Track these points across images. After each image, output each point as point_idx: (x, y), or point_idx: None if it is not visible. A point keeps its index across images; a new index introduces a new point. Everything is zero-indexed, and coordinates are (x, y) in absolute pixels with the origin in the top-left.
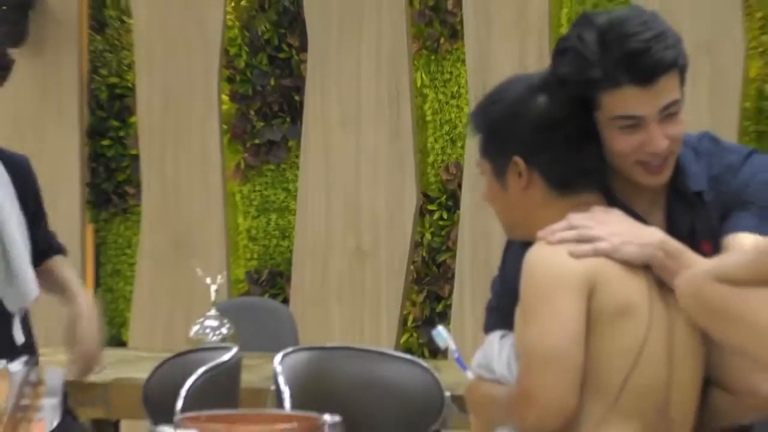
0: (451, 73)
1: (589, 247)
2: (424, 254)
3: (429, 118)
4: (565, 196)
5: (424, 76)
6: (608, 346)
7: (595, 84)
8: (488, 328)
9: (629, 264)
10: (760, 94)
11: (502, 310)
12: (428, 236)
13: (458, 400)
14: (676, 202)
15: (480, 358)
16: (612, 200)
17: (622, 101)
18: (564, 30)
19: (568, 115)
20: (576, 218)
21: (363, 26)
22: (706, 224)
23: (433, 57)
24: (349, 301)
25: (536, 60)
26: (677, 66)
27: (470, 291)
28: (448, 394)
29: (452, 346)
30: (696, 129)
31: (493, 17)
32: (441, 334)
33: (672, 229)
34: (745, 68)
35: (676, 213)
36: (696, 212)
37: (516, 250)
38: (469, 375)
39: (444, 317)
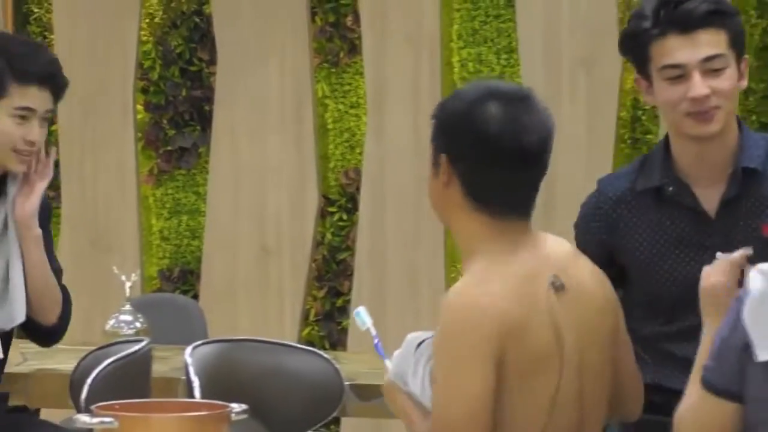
0: (350, 84)
1: None
2: (324, 253)
3: (330, 126)
4: (480, 210)
5: (325, 87)
6: (522, 402)
7: (646, 35)
8: None
9: (536, 311)
10: (635, 104)
11: None
12: (329, 236)
13: (356, 389)
14: (734, 178)
15: (396, 365)
16: (672, 178)
17: (667, 50)
18: (454, 45)
19: (506, 134)
20: None
21: (268, 41)
22: (760, 202)
23: (333, 70)
24: (255, 296)
25: (429, 72)
26: (716, 19)
27: (368, 287)
28: (347, 383)
29: (372, 331)
30: (576, 137)
31: (388, 33)
32: (361, 315)
33: (724, 204)
34: (621, 81)
35: (731, 189)
36: (746, 188)
37: None
38: (388, 364)
39: (343, 311)
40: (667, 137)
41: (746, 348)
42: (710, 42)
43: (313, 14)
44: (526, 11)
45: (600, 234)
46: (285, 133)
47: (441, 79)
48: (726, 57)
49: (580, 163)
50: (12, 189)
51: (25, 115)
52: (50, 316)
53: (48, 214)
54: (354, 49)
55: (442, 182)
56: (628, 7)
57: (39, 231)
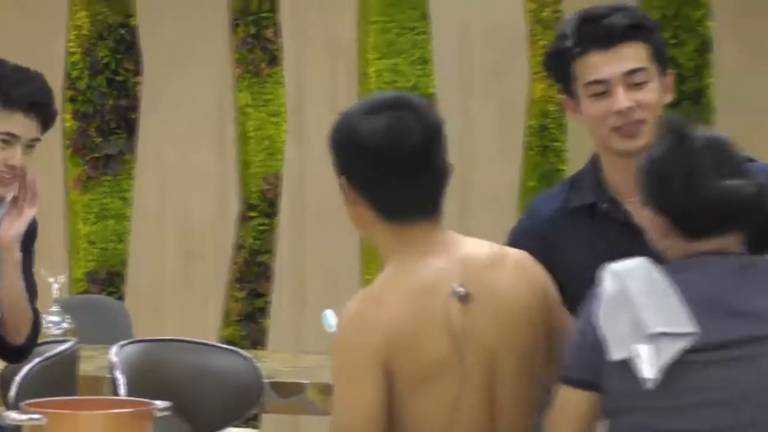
0: (271, 94)
1: None
2: (246, 256)
3: (251, 134)
4: (387, 221)
5: (246, 96)
6: (419, 409)
7: (569, 53)
8: None
9: (430, 321)
10: (543, 114)
11: None
12: (250, 240)
13: (276, 387)
14: None
15: None
16: (604, 195)
17: (589, 67)
18: (370, 56)
19: (385, 143)
20: None
21: (192, 53)
22: None
23: (255, 80)
24: (179, 298)
25: (346, 82)
26: (637, 33)
27: (288, 288)
28: (266, 381)
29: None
30: (488, 144)
31: (307, 45)
32: (327, 318)
33: None
34: (530, 91)
35: None
36: None
37: None
38: None
39: (263, 312)
40: (595, 155)
41: (601, 342)
42: (632, 56)
43: (235, 26)
44: (440, 24)
45: (537, 254)
46: (208, 141)
47: (358, 89)
48: (648, 71)
49: (492, 169)
50: (0, 212)
51: (7, 139)
52: (18, 336)
53: (33, 236)
54: (274, 60)
55: (351, 202)
56: (537, 20)
57: (20, 255)
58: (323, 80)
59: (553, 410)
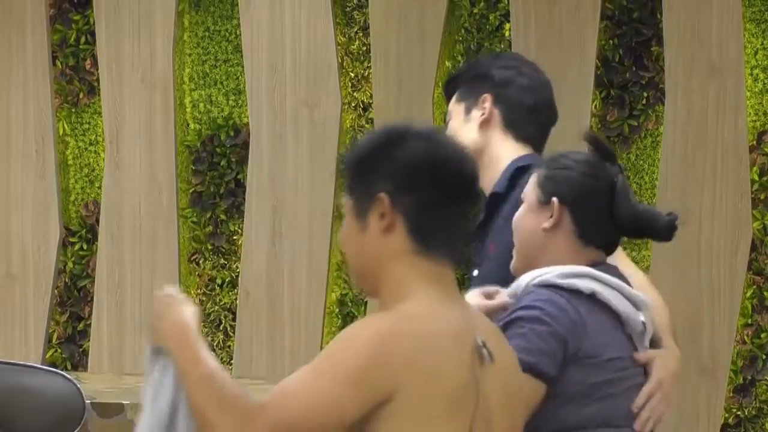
0: (89, 123)
1: None
2: (66, 280)
3: (70, 162)
4: (421, 254)
5: (66, 126)
6: None
7: None
8: None
9: (462, 370)
10: (353, 142)
11: None
12: (70, 264)
13: (97, 407)
14: (483, 203)
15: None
16: None
17: None
18: (186, 86)
19: (446, 160)
20: None
21: (12, 84)
22: (494, 227)
23: (73, 110)
24: (0, 321)
25: (163, 111)
26: (450, 89)
27: (107, 311)
28: (88, 401)
29: None
30: (300, 171)
31: (124, 76)
32: None
33: (478, 227)
34: (340, 120)
35: (481, 213)
36: (489, 212)
37: None
38: None
39: (84, 335)
40: None
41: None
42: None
43: (54, 58)
44: (252, 56)
45: None
46: (28, 169)
47: (174, 118)
48: (449, 112)
49: (304, 195)
50: None
51: None
52: None
53: None
54: (93, 90)
55: (380, 229)
56: (347, 53)
57: None
58: (140, 110)
59: None
